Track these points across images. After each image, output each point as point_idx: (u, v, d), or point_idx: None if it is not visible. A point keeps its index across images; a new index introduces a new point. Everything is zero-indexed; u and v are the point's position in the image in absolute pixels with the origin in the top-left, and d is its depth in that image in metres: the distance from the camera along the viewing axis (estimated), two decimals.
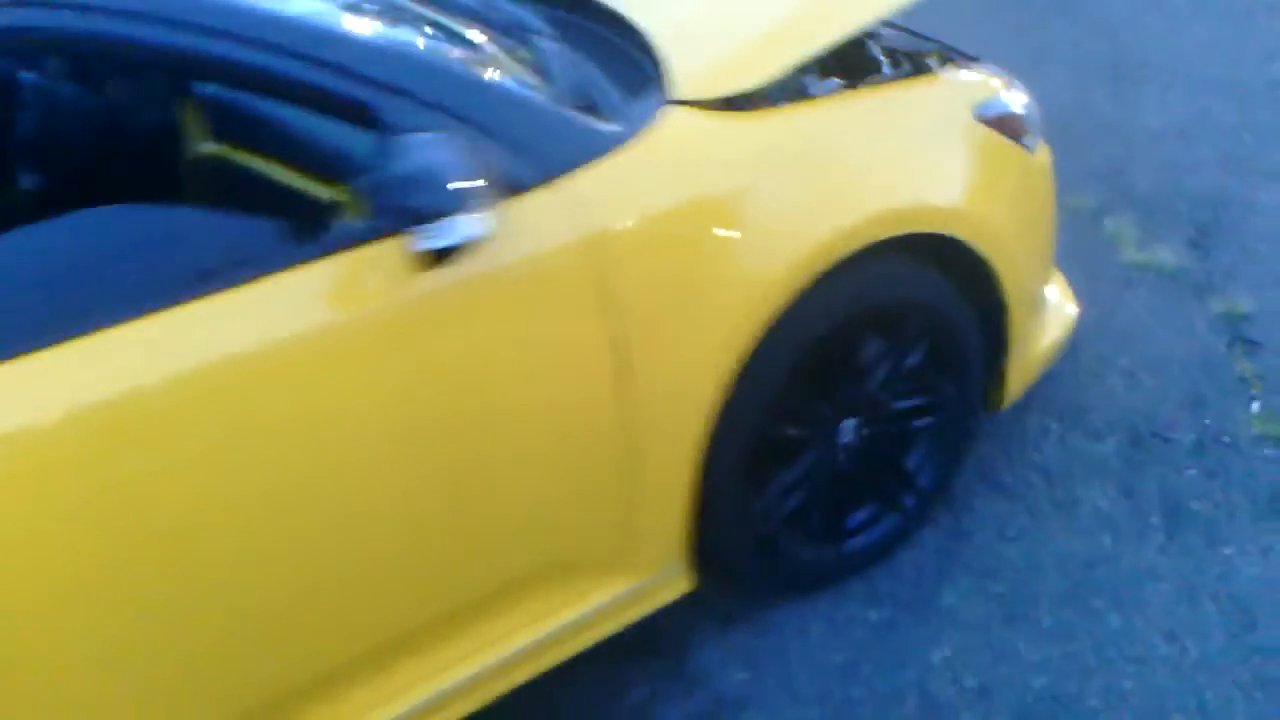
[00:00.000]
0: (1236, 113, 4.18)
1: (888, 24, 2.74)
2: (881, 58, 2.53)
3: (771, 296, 2.00)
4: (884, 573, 2.44)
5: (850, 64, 2.49)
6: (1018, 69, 4.17)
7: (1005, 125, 2.34)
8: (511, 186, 1.75)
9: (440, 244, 1.61)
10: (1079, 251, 3.37)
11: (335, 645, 1.81)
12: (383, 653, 1.86)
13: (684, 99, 2.01)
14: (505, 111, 1.82)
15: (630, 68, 2.11)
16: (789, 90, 2.28)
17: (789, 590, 2.39)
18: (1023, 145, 2.38)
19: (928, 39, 2.71)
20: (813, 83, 2.35)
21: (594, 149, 1.88)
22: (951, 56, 2.59)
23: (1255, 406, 2.80)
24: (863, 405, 2.32)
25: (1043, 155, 2.48)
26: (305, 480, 1.67)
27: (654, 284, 1.90)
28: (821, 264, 2.04)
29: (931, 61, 2.53)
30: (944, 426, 2.44)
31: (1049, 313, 2.67)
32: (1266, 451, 2.67)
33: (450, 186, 1.61)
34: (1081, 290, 2.95)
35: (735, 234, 1.98)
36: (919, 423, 2.41)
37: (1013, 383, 2.51)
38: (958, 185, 2.24)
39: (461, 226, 1.61)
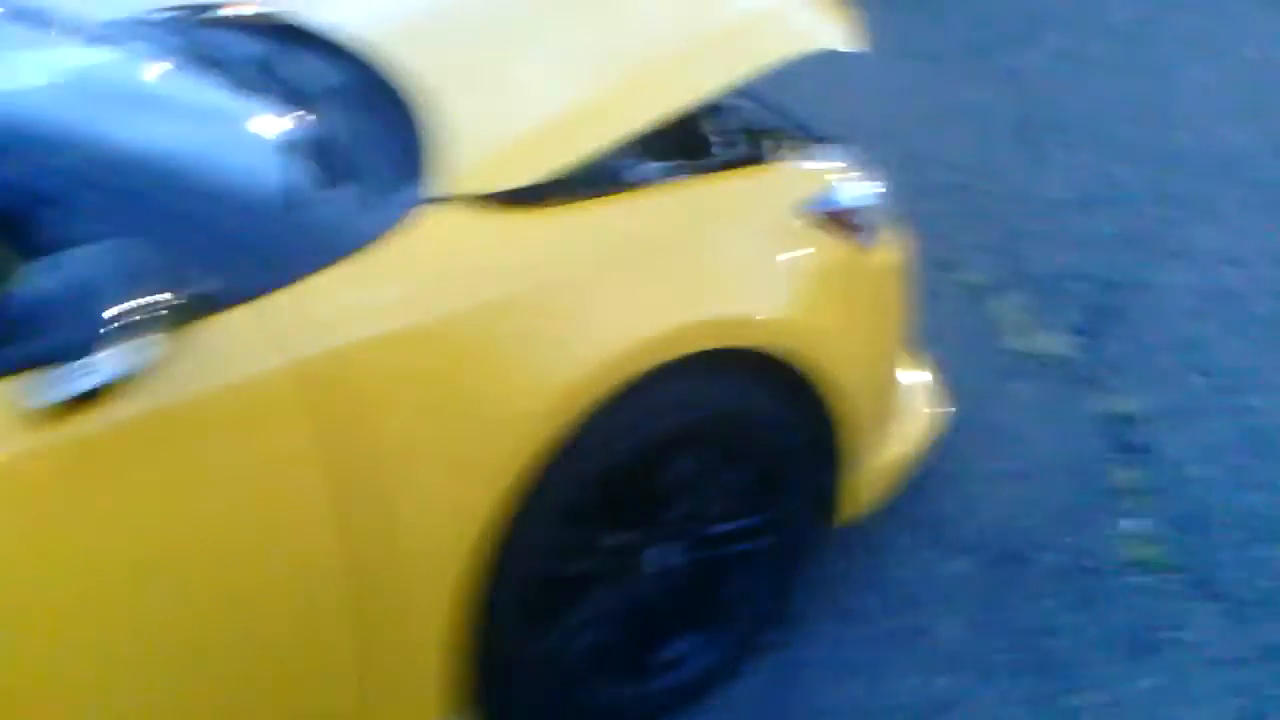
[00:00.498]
0: (1143, 181, 3.97)
1: (744, 95, 2.51)
2: (716, 139, 2.28)
3: (545, 423, 1.74)
4: (700, 714, 2.17)
5: (676, 146, 2.24)
6: (918, 129, 4.00)
7: (837, 222, 2.09)
8: (200, 305, 1.48)
9: (77, 388, 1.33)
10: (960, 334, 3.15)
11: None
12: None
13: (454, 193, 1.75)
14: (199, 211, 1.55)
15: (395, 154, 1.84)
16: (597, 179, 2.03)
17: None
18: (859, 242, 2.13)
19: (783, 115, 2.47)
20: (627, 169, 2.09)
21: (322, 256, 1.62)
22: (801, 137, 2.35)
23: (1126, 524, 2.56)
24: (673, 530, 2.06)
25: (886, 252, 2.23)
26: None
27: (395, 411, 1.64)
28: (609, 384, 1.78)
29: (773, 144, 2.28)
30: (771, 550, 2.18)
31: (910, 415, 2.43)
32: (1131, 579, 2.43)
33: (102, 313, 1.34)
34: (958, 380, 2.73)
35: (501, 352, 1.72)
36: (742, 547, 2.15)
37: (853, 499, 2.26)
38: (772, 294, 1.99)
39: (107, 364, 1.34)
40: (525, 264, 1.76)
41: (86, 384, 1.33)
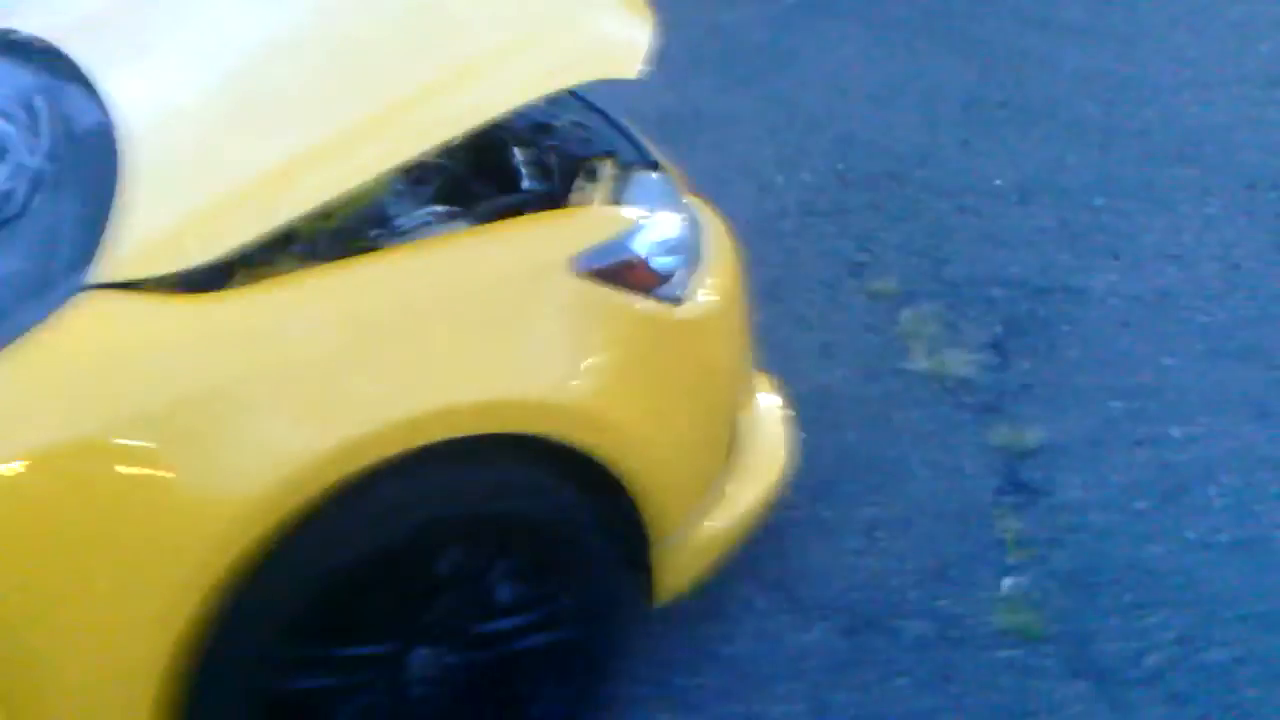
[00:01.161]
0: (1093, 167, 3.65)
1: (585, 104, 2.25)
2: (507, 170, 2.04)
3: (234, 535, 1.51)
4: None
5: (452, 184, 1.99)
6: (860, 109, 3.69)
7: (624, 276, 1.83)
8: None
9: None
10: (860, 352, 2.89)
11: None
12: None
13: (113, 279, 1.51)
14: None
15: (78, 219, 1.61)
16: (335, 238, 1.79)
17: None
18: (659, 296, 1.87)
19: (616, 129, 2.20)
20: (372, 221, 1.85)
21: None
22: (625, 161, 2.08)
23: (1006, 583, 2.30)
24: (441, 631, 1.83)
25: (703, 299, 1.95)
26: None
27: (22, 542, 1.42)
28: (314, 486, 1.55)
29: (581, 176, 2.03)
30: (568, 644, 1.94)
31: (752, 464, 2.17)
32: (1001, 653, 2.17)
33: None
34: (847, 407, 2.53)
35: (162, 462, 1.49)
36: (526, 642, 1.92)
37: (673, 576, 2.01)
38: (536, 369, 1.73)
39: None
40: (193, 359, 1.52)
41: None
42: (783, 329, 2.97)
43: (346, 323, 1.62)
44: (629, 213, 1.91)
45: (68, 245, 1.56)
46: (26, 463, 1.42)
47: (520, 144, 2.11)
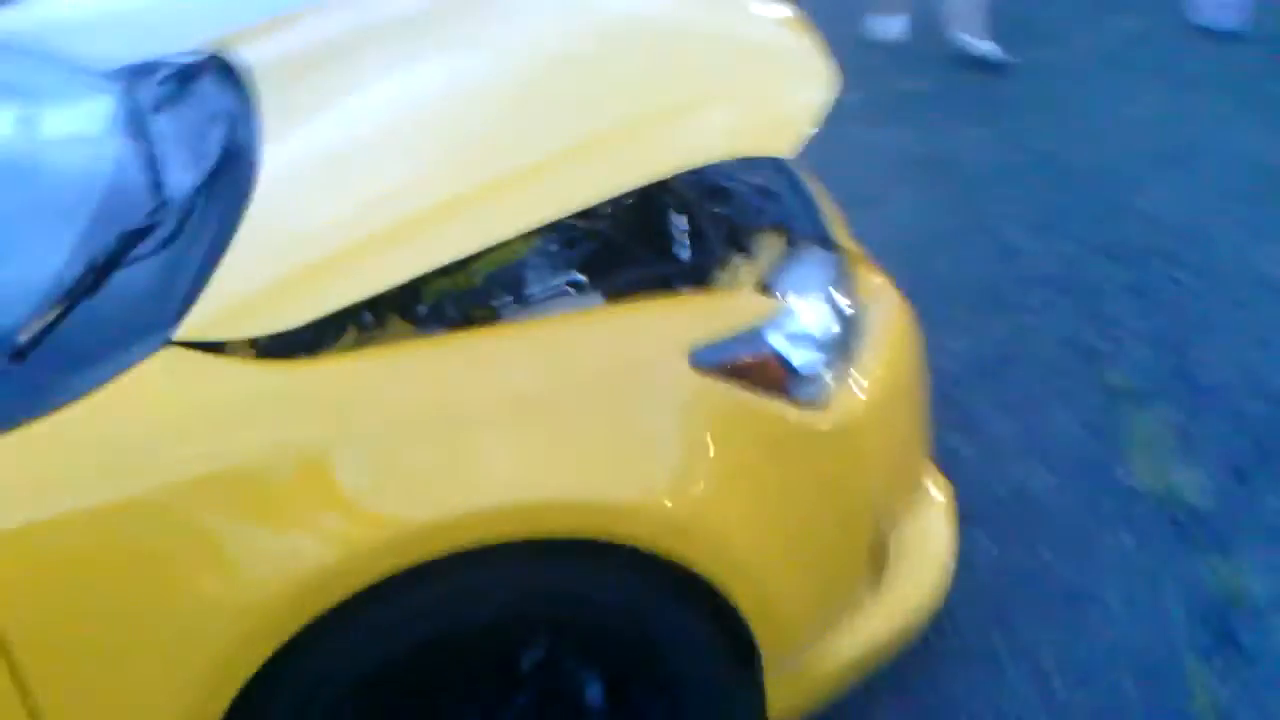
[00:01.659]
0: None
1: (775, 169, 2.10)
2: (657, 240, 1.90)
3: (266, 627, 1.45)
4: None
5: (593, 253, 1.88)
6: (1144, 172, 3.32)
7: (751, 372, 1.66)
8: None
9: None
10: (1075, 455, 2.58)
11: None
12: None
13: (195, 338, 1.48)
14: None
15: (175, 277, 1.58)
16: (441, 311, 1.72)
17: None
18: (790, 398, 1.69)
19: (801, 201, 2.04)
20: (487, 295, 1.76)
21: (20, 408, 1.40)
22: (795, 236, 1.92)
23: None
24: None
25: (844, 405, 1.76)
26: None
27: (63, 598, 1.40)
28: (373, 570, 1.47)
29: (737, 250, 1.87)
30: None
31: (898, 588, 1.95)
32: None
33: None
34: (1047, 520, 2.33)
35: (214, 531, 1.44)
36: None
37: (784, 699, 1.82)
38: (636, 471, 1.58)
39: None
40: (259, 426, 1.46)
41: None
42: (990, 416, 2.71)
43: (430, 403, 1.53)
44: (768, 302, 1.73)
45: (173, 294, 1.54)
46: (73, 519, 1.40)
47: (686, 209, 1.97)
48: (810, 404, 1.71)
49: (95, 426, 1.41)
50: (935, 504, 2.11)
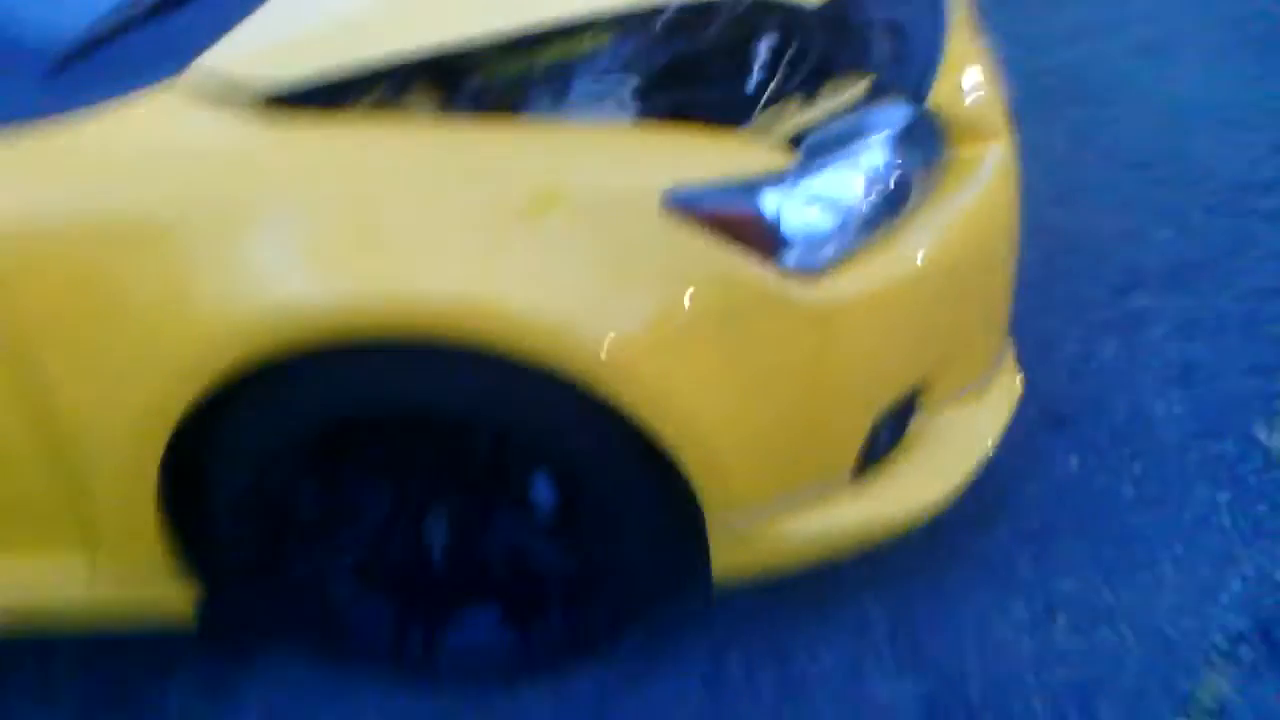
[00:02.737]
0: None
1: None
2: (743, 70, 1.77)
3: (229, 349, 1.56)
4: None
5: (661, 69, 1.77)
6: None
7: (727, 227, 1.56)
8: None
9: None
10: (1231, 401, 2.31)
11: None
12: None
13: (199, 79, 1.55)
14: None
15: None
16: (481, 93, 1.70)
17: (352, 653, 1.98)
18: (768, 262, 1.58)
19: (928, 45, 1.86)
20: (534, 86, 1.72)
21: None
22: (883, 87, 1.76)
23: None
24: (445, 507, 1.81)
25: (839, 284, 1.63)
26: None
27: (64, 294, 1.56)
28: (305, 334, 1.55)
29: (807, 90, 1.74)
30: (588, 570, 1.84)
31: (896, 481, 1.86)
32: None
33: None
34: (1165, 458, 2.18)
35: (175, 255, 1.54)
36: (546, 560, 1.84)
37: (726, 560, 1.79)
38: (563, 292, 1.54)
39: None
40: (230, 173, 1.54)
41: None
42: (1155, 325, 2.51)
43: (394, 183, 1.55)
44: (770, 157, 1.60)
45: (199, 35, 1.60)
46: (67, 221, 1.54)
47: (778, 38, 1.82)
48: (800, 273, 1.61)
49: (96, 141, 1.53)
50: (990, 400, 1.97)
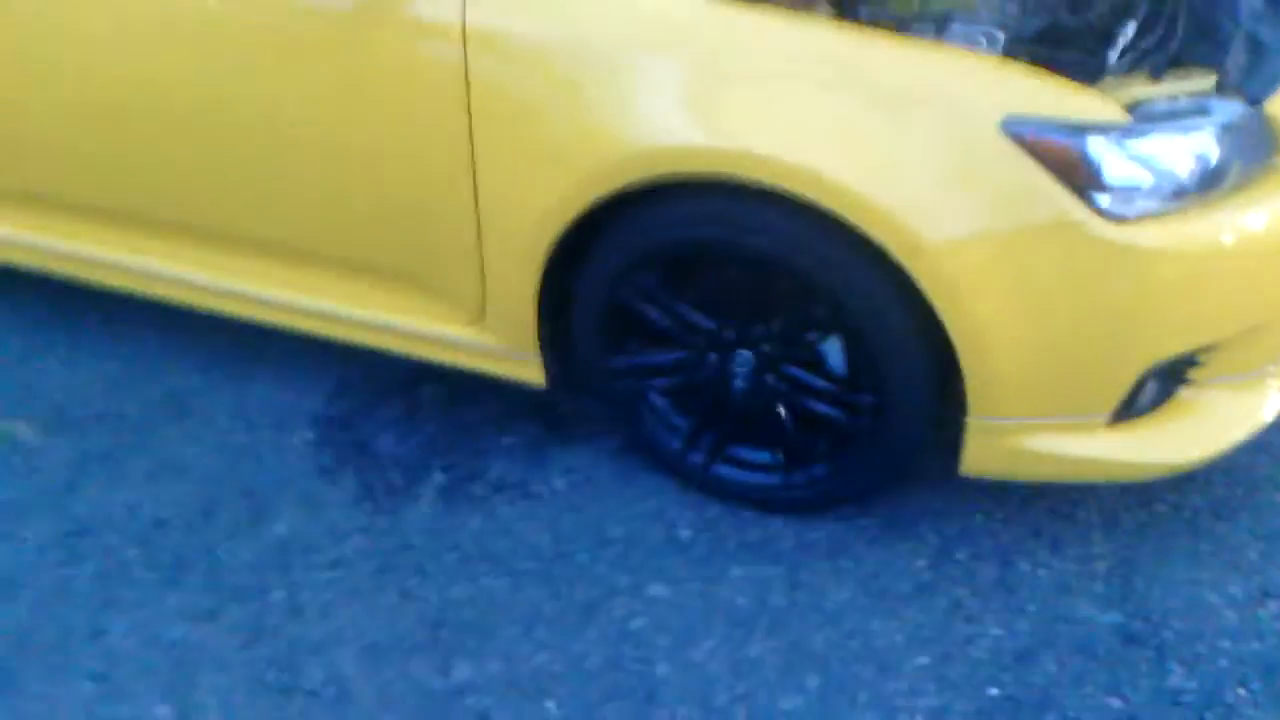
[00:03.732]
0: None
1: None
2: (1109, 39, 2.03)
3: (612, 175, 2.01)
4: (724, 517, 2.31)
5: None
6: None
7: (1051, 159, 1.83)
8: None
9: None
10: None
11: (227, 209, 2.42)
12: (253, 245, 2.44)
13: None
14: None
15: None
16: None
17: (648, 451, 2.40)
18: (1083, 200, 1.84)
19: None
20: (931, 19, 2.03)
21: None
22: (1230, 85, 1.98)
23: None
24: (759, 344, 2.18)
25: (1144, 236, 1.86)
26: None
27: (512, 98, 2.04)
28: (685, 165, 1.97)
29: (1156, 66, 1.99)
30: (857, 433, 2.16)
31: (1161, 432, 2.08)
32: None
33: None
34: None
35: (605, 101, 1.99)
36: (823, 408, 2.17)
37: (976, 456, 2.07)
38: (893, 179, 1.87)
39: None
40: (663, 37, 1.98)
41: None
42: None
43: (778, 60, 1.92)
44: (1105, 108, 1.85)
45: None
46: (510, 44, 2.02)
47: (1141, 18, 2.07)
48: (1110, 215, 1.85)
49: None
50: (1261, 393, 2.14)
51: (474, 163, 2.09)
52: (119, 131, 2.39)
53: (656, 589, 2.16)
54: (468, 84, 2.04)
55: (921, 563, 2.20)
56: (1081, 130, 1.83)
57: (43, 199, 2.61)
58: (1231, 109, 1.94)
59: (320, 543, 2.27)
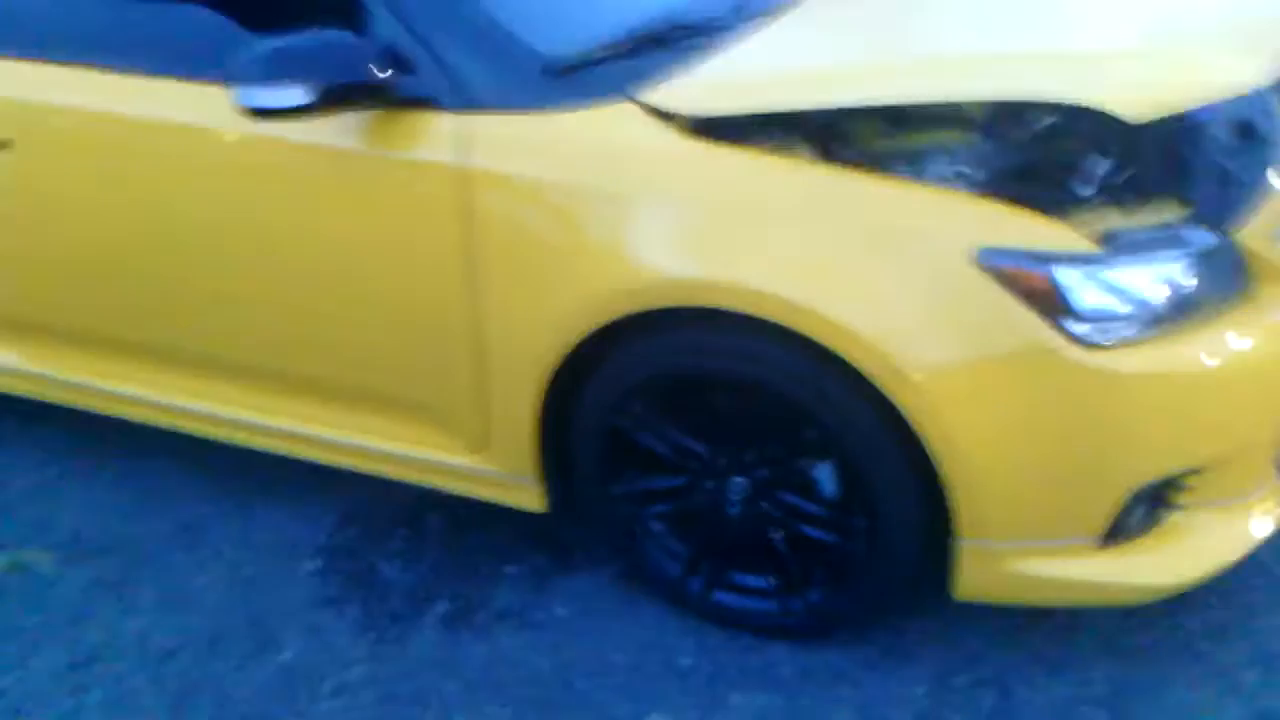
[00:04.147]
0: None
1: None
2: (1075, 173, 2.12)
3: (602, 309, 2.11)
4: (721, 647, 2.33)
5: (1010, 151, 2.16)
6: None
7: (1022, 288, 1.90)
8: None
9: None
10: None
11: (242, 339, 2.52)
12: (262, 372, 2.54)
13: (654, 102, 2.10)
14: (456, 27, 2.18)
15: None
16: (854, 150, 2.13)
17: (648, 577, 2.43)
18: (1054, 327, 1.90)
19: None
20: (902, 159, 2.13)
21: (524, 99, 2.14)
22: (1200, 217, 2.06)
23: None
24: (752, 470, 2.23)
25: (1116, 362, 1.91)
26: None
27: (514, 234, 2.16)
28: (672, 298, 2.06)
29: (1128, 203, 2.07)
30: (852, 557, 2.19)
31: (1151, 556, 2.10)
32: None
33: None
34: None
35: (584, 226, 2.12)
36: (816, 533, 2.21)
37: (969, 579, 2.09)
38: (874, 309, 1.95)
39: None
40: (639, 172, 2.10)
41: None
42: None
43: (761, 201, 2.02)
44: (1071, 238, 1.93)
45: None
46: (516, 183, 2.14)
47: (1108, 153, 2.15)
48: (1085, 342, 1.91)
49: (574, 129, 2.13)
50: (1251, 516, 2.16)
51: (475, 295, 2.19)
52: (131, 268, 2.54)
53: (656, 718, 2.18)
54: (469, 220, 2.15)
55: (920, 690, 2.21)
56: (1049, 259, 1.91)
57: (62, 333, 2.75)
58: (1203, 238, 2.01)
59: (325, 670, 2.30)
